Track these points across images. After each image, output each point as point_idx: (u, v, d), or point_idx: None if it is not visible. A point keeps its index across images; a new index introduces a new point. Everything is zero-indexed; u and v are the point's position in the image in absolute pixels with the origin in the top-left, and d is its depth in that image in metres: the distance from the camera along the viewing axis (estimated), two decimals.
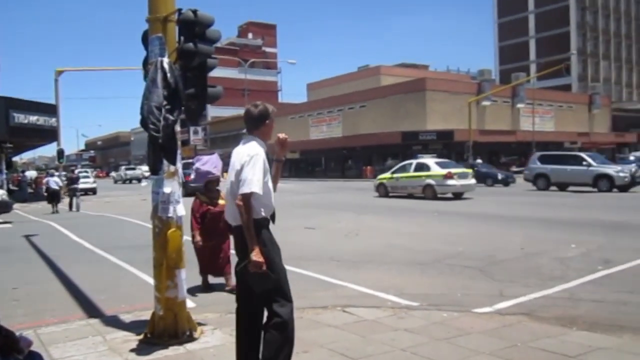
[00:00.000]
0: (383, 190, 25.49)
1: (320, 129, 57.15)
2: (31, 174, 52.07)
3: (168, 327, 5.02)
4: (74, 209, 23.83)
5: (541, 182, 26.42)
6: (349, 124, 53.15)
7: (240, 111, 57.79)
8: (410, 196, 24.02)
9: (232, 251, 5.07)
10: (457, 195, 22.93)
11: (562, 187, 26.15)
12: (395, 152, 47.88)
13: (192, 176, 7.42)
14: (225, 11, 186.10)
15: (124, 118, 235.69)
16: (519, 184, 30.84)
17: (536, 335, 5.05)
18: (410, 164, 24.80)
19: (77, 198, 24.63)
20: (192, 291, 6.99)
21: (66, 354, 4.84)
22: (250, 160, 3.75)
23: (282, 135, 4.01)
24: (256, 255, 3.55)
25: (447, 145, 45.79)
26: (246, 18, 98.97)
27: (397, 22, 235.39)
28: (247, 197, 3.62)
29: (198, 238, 7.16)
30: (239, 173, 3.77)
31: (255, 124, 4.03)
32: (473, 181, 23.67)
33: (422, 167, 23.79)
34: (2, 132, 28.08)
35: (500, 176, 33.02)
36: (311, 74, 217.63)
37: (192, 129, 42.10)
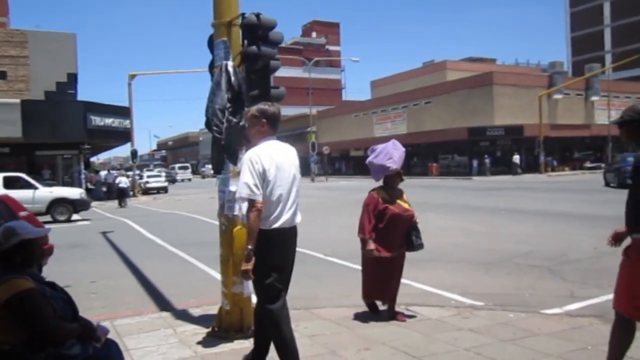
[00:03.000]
0: None
1: (385, 126, 56.77)
2: (105, 173, 54.86)
3: (234, 321, 5.19)
4: (123, 205, 27.85)
5: None
6: (413, 120, 52.52)
7: (305, 110, 58.28)
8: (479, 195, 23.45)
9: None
10: None
11: None
12: (461, 149, 46.92)
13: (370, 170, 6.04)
14: (289, 11, 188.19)
15: (193, 119, 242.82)
16: (592, 180, 29.48)
17: (608, 338, 4.85)
18: None
19: (125, 197, 28.95)
20: None
21: (140, 344, 5.10)
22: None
23: None
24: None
25: (516, 141, 44.42)
26: (310, 17, 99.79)
27: (462, 15, 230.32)
28: None
29: (372, 246, 5.56)
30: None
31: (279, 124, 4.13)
32: None
33: None
34: (80, 134, 29.62)
35: None
36: (375, 71, 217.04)
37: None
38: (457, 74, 56.75)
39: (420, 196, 24.75)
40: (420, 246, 5.82)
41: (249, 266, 3.71)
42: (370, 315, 5.88)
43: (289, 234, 3.99)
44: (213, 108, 4.61)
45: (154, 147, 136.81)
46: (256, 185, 3.73)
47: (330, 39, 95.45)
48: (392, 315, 5.74)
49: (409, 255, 6.00)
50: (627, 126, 3.61)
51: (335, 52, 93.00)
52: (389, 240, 5.63)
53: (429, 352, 4.65)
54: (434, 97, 51.05)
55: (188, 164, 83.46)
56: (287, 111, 69.81)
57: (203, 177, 77.04)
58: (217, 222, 5.65)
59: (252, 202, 3.72)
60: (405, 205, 5.76)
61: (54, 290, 2.94)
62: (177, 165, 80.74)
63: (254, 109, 4.03)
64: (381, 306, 5.97)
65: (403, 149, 5.90)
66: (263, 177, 3.77)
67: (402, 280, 7.71)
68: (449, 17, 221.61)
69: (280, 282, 3.93)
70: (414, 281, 7.63)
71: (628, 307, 3.54)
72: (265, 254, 3.78)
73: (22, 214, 8.24)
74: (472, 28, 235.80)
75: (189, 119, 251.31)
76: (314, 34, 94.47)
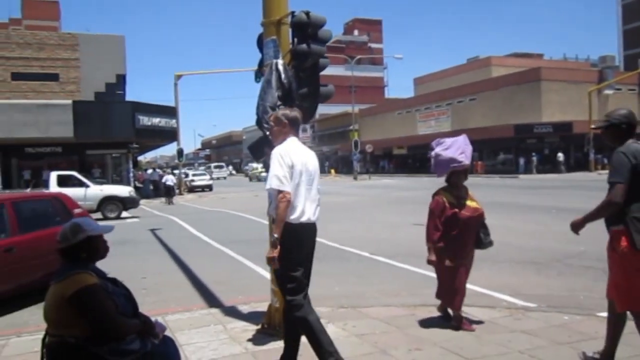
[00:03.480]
0: None
1: (428, 123, 56.15)
2: (151, 172, 56.31)
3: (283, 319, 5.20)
4: (170, 202, 29.12)
5: None
6: (458, 118, 51.75)
7: (347, 108, 58.18)
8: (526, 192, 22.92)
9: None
10: None
11: None
12: (507, 147, 45.95)
13: (432, 164, 5.46)
14: (331, 9, 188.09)
15: (236, 117, 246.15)
16: None
17: None
18: None
19: (172, 194, 30.30)
20: None
21: (191, 340, 5.18)
22: None
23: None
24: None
25: (565, 138, 43.19)
26: (352, 15, 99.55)
27: (507, 10, 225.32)
28: None
29: (433, 257, 5.23)
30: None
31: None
32: None
33: None
34: (129, 133, 30.43)
35: None
36: (418, 68, 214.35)
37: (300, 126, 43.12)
38: (502, 70, 55.65)
39: None
40: (490, 244, 5.48)
41: (275, 253, 3.90)
42: (419, 315, 5.81)
43: (312, 229, 4.19)
44: (264, 106, 4.64)
45: (199, 146, 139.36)
46: (285, 177, 3.94)
47: (372, 37, 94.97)
48: (458, 323, 5.31)
49: None
50: (612, 129, 4.04)
51: (377, 49, 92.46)
52: (462, 245, 5.26)
53: (481, 354, 4.56)
54: (479, 93, 50.18)
55: (223, 163, 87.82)
56: (329, 110, 70.05)
57: (246, 175, 78.55)
58: (262, 220, 5.70)
59: (281, 193, 3.92)
60: (474, 205, 5.33)
61: (115, 286, 3.01)
62: (212, 165, 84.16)
63: (278, 113, 4.33)
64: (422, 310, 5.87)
65: (470, 147, 5.42)
66: (291, 171, 3.99)
67: None
68: (494, 12, 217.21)
69: (304, 275, 4.13)
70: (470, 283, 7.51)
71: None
72: (292, 247, 3.97)
73: (77, 211, 8.53)
74: (518, 23, 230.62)
75: (233, 118, 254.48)
76: (356, 32, 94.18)
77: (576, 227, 4.26)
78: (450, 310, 5.49)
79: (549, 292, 6.82)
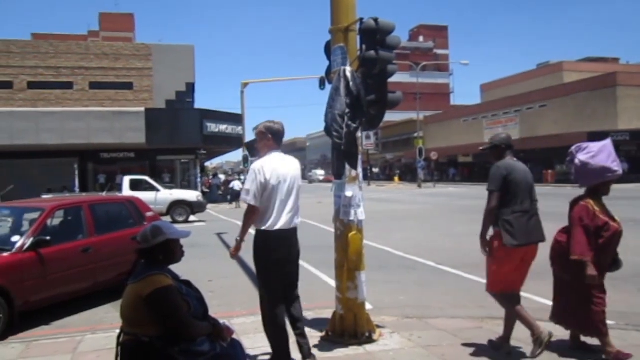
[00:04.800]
0: None
1: (495, 131, 54.47)
2: (220, 177, 57.97)
3: (348, 327, 5.18)
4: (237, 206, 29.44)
5: None
6: (527, 125, 50.12)
7: (412, 115, 57.55)
8: None
9: None
10: None
11: None
12: None
13: (572, 172, 4.98)
14: (395, 16, 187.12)
15: (300, 124, 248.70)
16: None
17: None
18: None
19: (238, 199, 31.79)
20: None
21: (256, 344, 5.24)
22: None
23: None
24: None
25: None
26: (416, 21, 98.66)
27: (580, 12, 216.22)
28: None
29: (594, 271, 4.45)
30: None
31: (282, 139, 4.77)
32: None
33: None
34: (197, 140, 31.38)
35: None
36: (485, 74, 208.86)
37: (364, 133, 43.08)
38: (574, 76, 53.44)
39: None
40: (621, 263, 4.93)
41: (233, 251, 4.57)
42: (487, 328, 5.64)
43: (288, 234, 4.55)
44: (332, 114, 4.65)
45: None
46: (255, 194, 4.40)
47: (438, 43, 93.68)
48: (577, 345, 4.88)
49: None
50: (495, 149, 4.94)
51: (443, 55, 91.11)
52: (604, 262, 4.67)
53: None
54: (550, 100, 48.41)
55: None
56: (393, 117, 69.59)
57: (310, 182, 79.53)
58: (325, 227, 5.72)
59: (250, 207, 4.43)
60: (617, 219, 4.81)
61: (189, 288, 3.09)
62: None
63: (261, 126, 4.65)
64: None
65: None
66: (264, 187, 4.40)
67: (522, 294, 7.39)
68: (565, 15, 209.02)
69: (280, 276, 4.55)
70: (535, 295, 7.21)
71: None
72: (266, 251, 4.46)
73: (149, 214, 8.85)
74: (591, 26, 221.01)
75: (297, 125, 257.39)
76: (421, 38, 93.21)
77: (483, 244, 4.96)
78: (584, 338, 4.88)
79: (629, 309, 6.45)
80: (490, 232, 4.90)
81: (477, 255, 10.40)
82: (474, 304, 6.99)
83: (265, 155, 4.55)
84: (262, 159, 4.53)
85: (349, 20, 5.19)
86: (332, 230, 5.56)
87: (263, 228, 4.44)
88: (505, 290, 4.84)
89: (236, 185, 31.81)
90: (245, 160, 38.57)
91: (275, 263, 4.47)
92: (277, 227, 4.43)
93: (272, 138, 4.57)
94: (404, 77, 67.01)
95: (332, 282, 7.00)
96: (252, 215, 4.43)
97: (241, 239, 4.46)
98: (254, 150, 5.84)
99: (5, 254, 6.33)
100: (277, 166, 4.48)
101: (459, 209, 22.32)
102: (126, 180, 21.99)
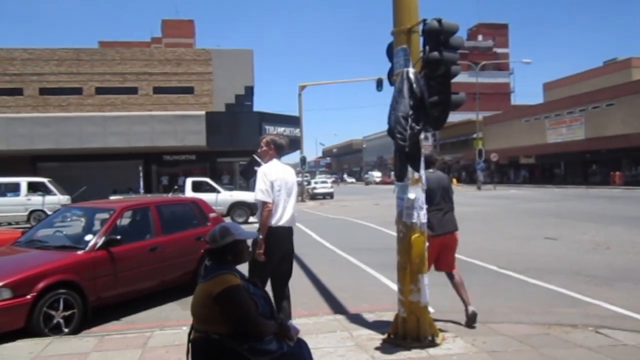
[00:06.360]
0: None
1: (559, 131, 52.79)
2: None
3: (410, 330, 5.14)
4: None
5: None
6: (592, 124, 48.14)
7: (471, 115, 56.42)
8: None
9: None
10: None
11: None
12: None
13: None
14: (453, 15, 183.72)
15: (357, 126, 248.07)
16: None
17: None
18: None
19: None
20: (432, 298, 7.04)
21: (319, 344, 5.27)
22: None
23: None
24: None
25: None
26: (475, 20, 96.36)
27: None
28: None
29: None
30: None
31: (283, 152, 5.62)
32: None
33: None
34: (256, 142, 31.76)
35: None
36: (548, 73, 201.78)
37: (422, 135, 42.60)
38: None
39: (601, 207, 22.63)
40: None
41: (261, 250, 4.99)
42: (554, 335, 5.47)
43: (287, 232, 5.28)
44: (396, 116, 4.63)
45: (319, 154, 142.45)
46: (267, 191, 5.12)
47: (497, 41, 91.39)
48: None
49: (593, 272, 5.48)
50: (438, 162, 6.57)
51: (503, 54, 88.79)
52: None
53: None
54: (617, 98, 46.29)
55: (326, 177, 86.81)
56: (452, 117, 67.72)
57: (366, 184, 79.69)
58: (383, 229, 5.75)
59: (264, 204, 5.09)
60: None
61: (256, 288, 3.16)
62: (312, 181, 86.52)
63: (268, 137, 5.57)
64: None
65: None
66: (272, 186, 5.14)
67: (589, 300, 7.14)
68: (633, 9, 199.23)
69: (274, 271, 5.25)
70: (604, 301, 6.96)
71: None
72: (273, 247, 5.07)
73: (212, 215, 9.06)
74: None
75: (353, 127, 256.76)
76: (480, 37, 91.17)
77: None
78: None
79: None
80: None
81: (542, 260, 10.18)
82: (540, 309, 6.79)
83: (268, 162, 5.40)
84: (266, 165, 5.37)
85: (412, 21, 5.15)
86: (390, 232, 5.55)
87: (273, 223, 5.12)
88: (437, 269, 6.04)
89: None
90: (303, 162, 38.93)
91: (277, 258, 5.16)
92: (283, 222, 5.17)
93: (274, 148, 5.46)
94: (462, 77, 65.64)
95: (392, 285, 6.98)
96: (268, 212, 5.08)
97: (264, 237, 5.02)
98: (248, 173, 6.88)
99: (79, 252, 6.65)
100: (279, 170, 5.31)
101: (523, 212, 21.71)
102: (188, 182, 22.61)
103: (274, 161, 5.41)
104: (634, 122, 42.74)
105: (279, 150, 5.50)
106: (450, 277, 6.07)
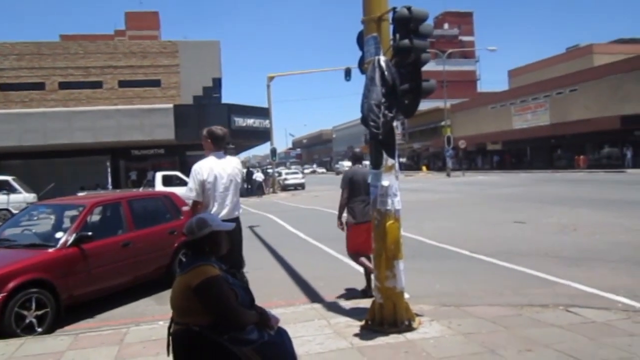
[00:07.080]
0: None
1: (524, 117, 53.78)
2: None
3: (387, 315, 5.21)
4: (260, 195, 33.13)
5: None
6: (557, 110, 49.16)
7: (438, 103, 56.94)
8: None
9: None
10: None
11: None
12: (613, 139, 43.09)
13: None
14: (418, 3, 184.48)
15: (326, 117, 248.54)
16: None
17: None
18: None
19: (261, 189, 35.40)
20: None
21: (297, 333, 5.29)
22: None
23: None
24: None
25: None
26: (441, 8, 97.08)
27: None
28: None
29: None
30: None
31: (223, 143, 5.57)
32: None
33: None
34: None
35: None
36: (513, 61, 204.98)
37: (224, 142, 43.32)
38: (606, 58, 52.18)
39: (567, 190, 23.18)
40: None
41: None
42: (526, 315, 5.61)
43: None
44: (369, 104, 4.66)
45: (290, 145, 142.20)
46: (196, 189, 5.23)
47: (463, 30, 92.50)
48: None
49: (561, 253, 5.63)
50: (356, 158, 7.68)
51: (469, 42, 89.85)
52: None
53: (600, 358, 4.33)
54: (580, 84, 47.36)
55: (295, 168, 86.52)
56: (420, 106, 68.53)
57: (337, 173, 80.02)
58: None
59: (195, 202, 5.26)
60: None
61: (234, 278, 3.16)
62: (283, 171, 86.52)
63: (205, 131, 5.49)
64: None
65: None
66: (202, 184, 5.23)
67: (557, 280, 7.35)
68: None
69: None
70: (573, 281, 7.16)
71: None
72: None
73: (184, 208, 8.98)
74: (622, 6, 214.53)
75: (323, 117, 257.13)
76: (446, 26, 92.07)
77: (339, 223, 7.17)
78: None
79: None
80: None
81: (511, 243, 10.40)
82: (512, 291, 6.95)
83: (208, 155, 5.41)
84: (201, 161, 5.39)
85: (382, 9, 5.18)
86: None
87: None
88: (357, 251, 6.81)
89: (258, 176, 32.87)
90: (273, 153, 38.81)
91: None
92: (221, 216, 5.02)
93: (211, 141, 5.41)
94: (430, 65, 65.24)
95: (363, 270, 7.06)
96: (197, 209, 5.19)
97: None
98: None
99: (50, 250, 6.52)
100: (213, 165, 5.30)
101: (491, 198, 22.10)
102: (159, 176, 22.40)
103: (210, 157, 5.38)
104: (596, 107, 43.83)
105: (217, 141, 5.43)
106: (369, 259, 6.51)
